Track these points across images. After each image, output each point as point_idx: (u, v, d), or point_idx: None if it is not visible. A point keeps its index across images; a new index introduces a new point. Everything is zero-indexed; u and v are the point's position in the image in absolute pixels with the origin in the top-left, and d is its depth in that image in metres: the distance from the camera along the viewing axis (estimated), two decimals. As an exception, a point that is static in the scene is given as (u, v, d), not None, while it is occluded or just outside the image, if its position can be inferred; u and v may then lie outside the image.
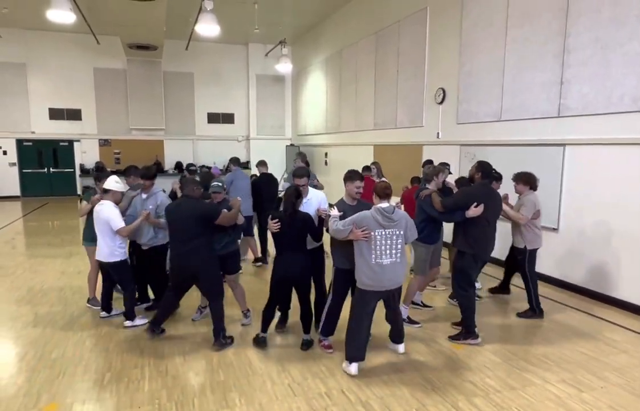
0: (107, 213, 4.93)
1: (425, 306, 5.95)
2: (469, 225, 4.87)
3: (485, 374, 4.26)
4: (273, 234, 4.49)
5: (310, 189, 4.98)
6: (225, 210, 4.76)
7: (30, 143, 16.89)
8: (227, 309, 4.95)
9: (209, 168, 16.62)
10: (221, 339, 4.69)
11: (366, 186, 7.69)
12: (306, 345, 4.68)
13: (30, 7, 13.42)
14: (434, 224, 5.29)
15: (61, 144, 17.27)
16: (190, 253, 4.53)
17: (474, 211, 4.77)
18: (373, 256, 4.06)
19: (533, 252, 5.66)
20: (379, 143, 11.88)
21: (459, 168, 8.62)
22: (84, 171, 17.22)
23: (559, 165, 6.70)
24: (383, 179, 7.88)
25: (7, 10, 13.80)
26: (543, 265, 7.13)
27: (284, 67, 15.30)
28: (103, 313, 5.49)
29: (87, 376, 4.15)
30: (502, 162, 7.40)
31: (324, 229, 4.58)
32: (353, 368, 4.19)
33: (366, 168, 8.26)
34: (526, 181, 5.64)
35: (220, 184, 5.03)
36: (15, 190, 16.85)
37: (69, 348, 4.71)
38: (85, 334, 5.06)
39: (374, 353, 4.59)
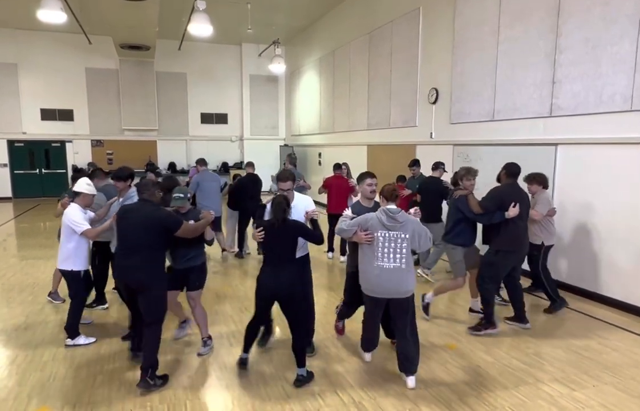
0: (70, 216, 4.61)
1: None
2: (507, 223, 4.96)
3: (478, 373, 4.26)
4: (260, 244, 4.16)
5: (296, 194, 4.57)
6: (192, 221, 4.33)
7: (21, 144, 16.77)
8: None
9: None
10: (148, 378, 3.87)
11: (337, 184, 8.02)
12: (299, 382, 4.00)
13: (21, 7, 13.31)
14: (466, 224, 5.25)
15: (53, 145, 17.17)
16: (135, 266, 3.92)
17: (514, 211, 4.88)
18: (375, 258, 3.90)
19: (548, 248, 5.87)
20: (373, 143, 11.89)
21: (452, 168, 8.63)
22: (77, 172, 17.09)
23: (551, 164, 6.72)
24: (352, 179, 8.06)
25: (-2, 10, 13.71)
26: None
27: (278, 67, 15.29)
28: (68, 341, 4.81)
29: (78, 379, 4.11)
30: (495, 162, 7.43)
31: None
32: (367, 356, 4.45)
33: (337, 166, 8.56)
34: (540, 181, 5.82)
35: (182, 195, 4.47)
36: (7, 191, 16.72)
37: (60, 350, 4.66)
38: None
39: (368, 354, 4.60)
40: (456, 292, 6.16)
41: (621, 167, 5.86)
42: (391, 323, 4.23)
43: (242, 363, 4.24)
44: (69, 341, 4.76)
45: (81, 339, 4.80)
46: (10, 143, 16.60)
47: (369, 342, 4.37)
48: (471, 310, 5.70)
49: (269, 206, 4.16)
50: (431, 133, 9.49)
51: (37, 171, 17.20)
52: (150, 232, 3.95)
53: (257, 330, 4.29)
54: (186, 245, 4.37)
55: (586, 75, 6.20)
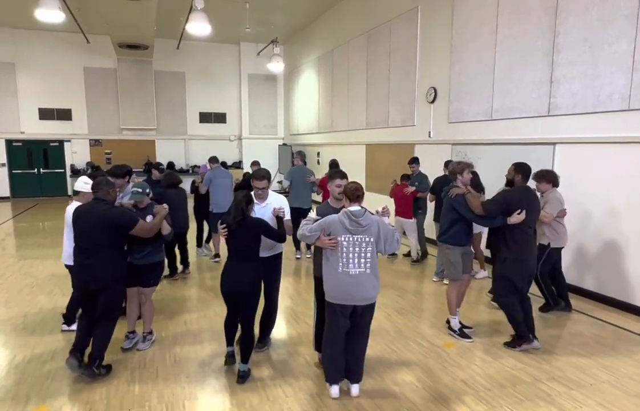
0: (71, 212, 4.55)
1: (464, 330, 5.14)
2: (512, 230, 4.62)
3: (476, 372, 4.27)
4: (225, 240, 4.17)
5: (271, 193, 4.59)
6: (150, 217, 4.40)
7: (20, 143, 16.75)
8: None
9: (198, 166, 16.60)
10: (95, 368, 4.03)
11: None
12: (242, 378, 4.03)
13: (19, 6, 13.29)
14: (463, 224, 4.94)
15: (51, 144, 17.15)
16: (94, 266, 3.98)
17: (517, 218, 4.54)
18: (340, 264, 3.67)
19: (556, 251, 5.59)
20: (371, 142, 11.90)
21: (451, 167, 8.65)
22: (75, 172, 17.11)
23: (549, 164, 6.71)
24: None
25: (-4, 9, 13.68)
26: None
27: (276, 66, 15.27)
28: (64, 326, 5.12)
29: (77, 378, 4.09)
30: (493, 161, 7.45)
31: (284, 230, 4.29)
32: (333, 390, 3.83)
33: (333, 164, 8.60)
34: (550, 179, 5.49)
35: (140, 190, 4.49)
36: (5, 191, 16.70)
37: (58, 350, 4.66)
38: (75, 336, 4.99)
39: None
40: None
41: (619, 167, 5.87)
42: (351, 326, 3.85)
43: (230, 357, 4.27)
44: (65, 327, 5.07)
45: (75, 326, 4.89)
46: (9, 143, 16.57)
47: (334, 370, 3.86)
48: (448, 325, 5.17)
49: None
50: (429, 132, 9.49)
51: (36, 170, 17.19)
52: (105, 231, 3.99)
53: (234, 324, 4.28)
54: (142, 241, 4.39)
55: (584, 74, 6.21)
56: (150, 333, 4.81)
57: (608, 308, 5.96)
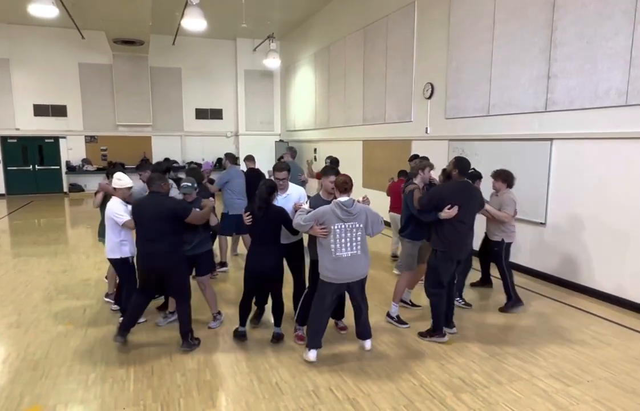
0: (112, 207, 4.89)
1: (413, 305, 5.75)
2: (442, 223, 4.70)
3: (472, 369, 4.26)
4: (248, 227, 4.61)
5: (291, 184, 4.94)
6: (197, 209, 4.71)
7: (14, 140, 16.63)
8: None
9: (198, 164, 16.53)
10: (189, 340, 4.61)
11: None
12: (276, 338, 4.75)
13: (13, 1, 13.18)
14: (418, 220, 5.07)
15: (46, 141, 17.04)
16: (158, 253, 4.42)
17: (447, 213, 4.60)
18: (334, 248, 4.18)
19: (509, 245, 5.76)
20: (368, 138, 11.87)
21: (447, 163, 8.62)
22: (70, 168, 17.04)
23: (546, 160, 6.72)
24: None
25: (-11, 5, 13.55)
26: (530, 259, 7.19)
27: (273, 62, 15.20)
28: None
29: (71, 377, 4.08)
30: (490, 157, 7.44)
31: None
32: (312, 354, 4.33)
33: (335, 162, 8.63)
34: (505, 179, 5.72)
35: (190, 184, 4.85)
36: (0, 188, 16.59)
37: (52, 348, 4.63)
38: (69, 334, 4.98)
39: (361, 349, 4.59)
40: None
41: (616, 162, 5.86)
42: (352, 302, 4.52)
43: (241, 335, 4.79)
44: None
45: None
46: (3, 139, 16.46)
47: (316, 337, 4.35)
48: (401, 300, 5.55)
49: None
50: (426, 128, 9.46)
51: (31, 167, 17.08)
52: (164, 220, 4.40)
53: (249, 306, 4.80)
54: (191, 232, 4.80)
55: (581, 70, 6.19)
56: (219, 313, 5.26)
57: (604, 303, 5.96)
